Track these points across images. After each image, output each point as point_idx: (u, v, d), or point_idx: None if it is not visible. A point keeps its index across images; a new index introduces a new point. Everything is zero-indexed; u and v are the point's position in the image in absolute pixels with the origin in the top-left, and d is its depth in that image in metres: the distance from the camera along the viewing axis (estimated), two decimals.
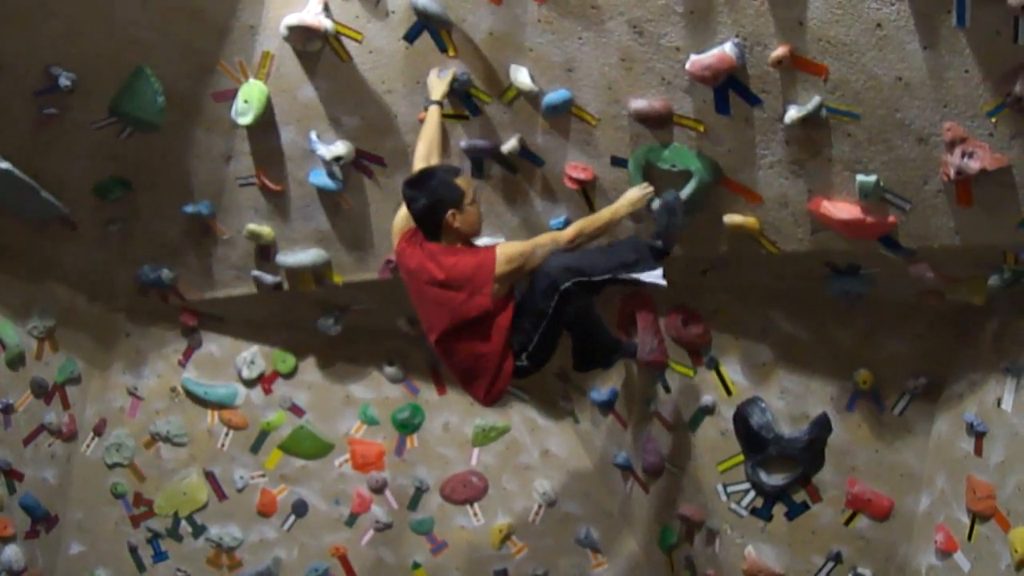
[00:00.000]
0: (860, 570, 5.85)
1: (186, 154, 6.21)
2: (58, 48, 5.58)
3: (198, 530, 7.62)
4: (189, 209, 6.40)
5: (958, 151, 4.23)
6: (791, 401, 5.82)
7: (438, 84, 5.31)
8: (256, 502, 7.59)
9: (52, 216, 6.43)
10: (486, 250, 4.84)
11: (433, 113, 5.28)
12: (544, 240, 4.94)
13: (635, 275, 4.91)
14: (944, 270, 4.95)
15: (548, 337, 4.91)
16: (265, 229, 6.38)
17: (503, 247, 4.86)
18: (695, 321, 6.00)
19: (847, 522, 5.83)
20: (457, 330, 4.84)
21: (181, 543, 7.65)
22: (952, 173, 4.27)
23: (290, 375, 7.53)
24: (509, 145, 5.45)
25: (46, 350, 7.03)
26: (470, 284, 4.73)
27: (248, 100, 5.70)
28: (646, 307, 6.10)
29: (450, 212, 4.77)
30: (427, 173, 4.90)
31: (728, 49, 4.50)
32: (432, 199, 4.76)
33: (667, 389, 6.34)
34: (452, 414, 7.52)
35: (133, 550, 7.64)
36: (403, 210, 5.04)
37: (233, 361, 7.49)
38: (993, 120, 4.14)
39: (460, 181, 4.87)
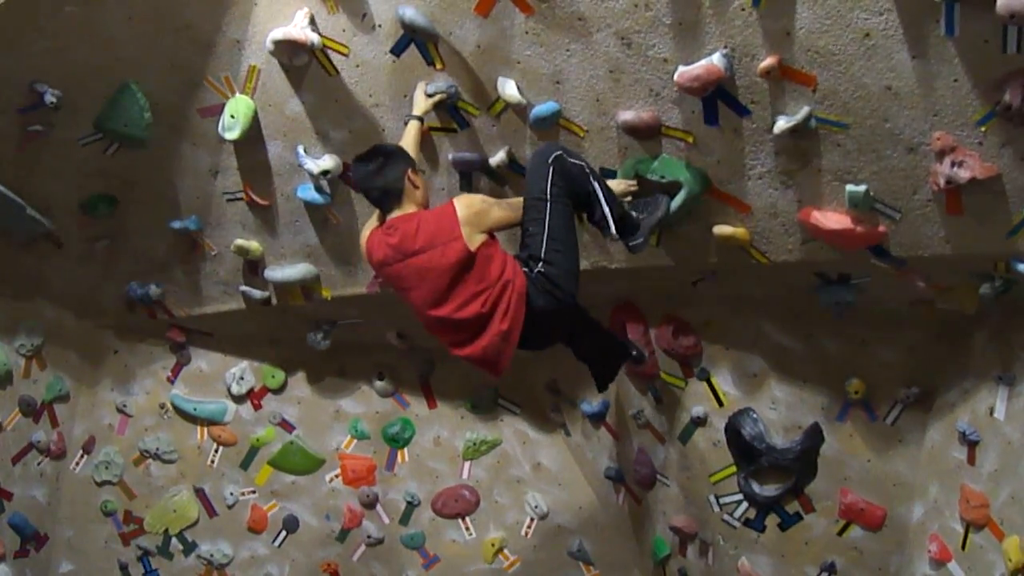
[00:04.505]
0: None
1: (173, 169, 6.19)
2: (43, 65, 5.56)
3: (189, 547, 7.60)
4: (176, 224, 6.36)
5: (948, 160, 4.24)
6: (783, 411, 5.81)
7: (422, 100, 5.29)
8: (247, 518, 7.56)
9: (39, 233, 6.39)
10: (442, 204, 4.82)
11: (412, 128, 5.27)
12: (508, 199, 5.01)
13: (599, 191, 4.81)
14: (935, 279, 4.95)
15: (557, 229, 4.70)
16: (253, 244, 6.35)
17: (459, 196, 4.88)
18: (686, 332, 5.99)
19: (840, 532, 5.83)
20: (451, 287, 4.69)
21: (172, 561, 7.64)
22: (942, 182, 4.28)
23: (279, 390, 7.50)
24: (497, 158, 5.43)
25: (34, 368, 6.99)
26: (440, 236, 4.66)
27: (235, 115, 5.67)
28: (636, 319, 6.11)
29: (409, 170, 4.83)
30: (375, 146, 4.97)
31: (716, 60, 4.49)
32: (389, 161, 4.82)
33: (658, 400, 6.32)
34: (443, 428, 7.50)
35: (124, 568, 7.63)
36: (366, 226, 5.09)
37: (222, 377, 7.45)
38: (982, 129, 4.15)
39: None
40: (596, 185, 4.81)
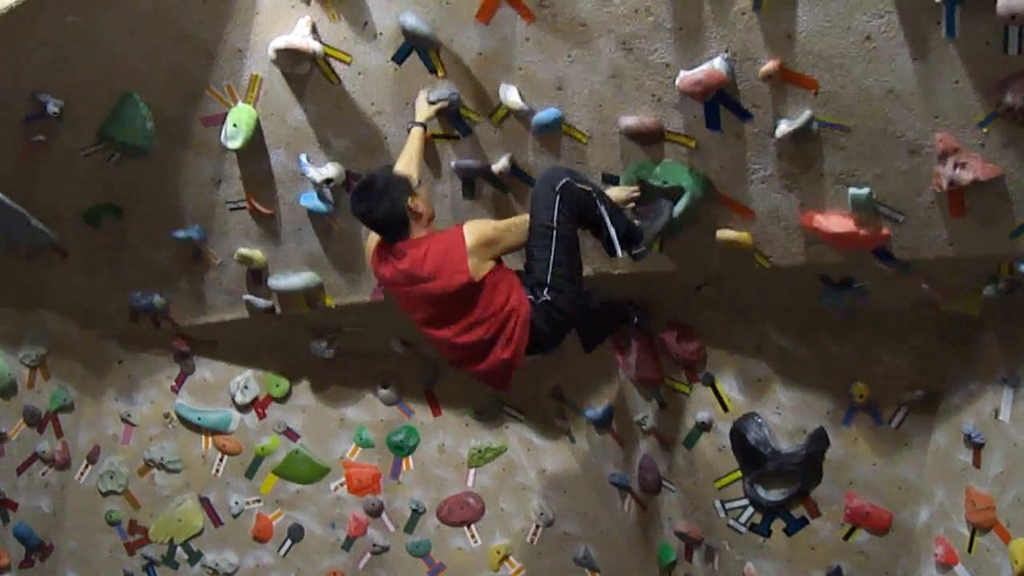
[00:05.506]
0: None
1: (176, 179, 6.19)
2: (46, 75, 5.56)
3: (194, 557, 7.60)
4: (180, 234, 6.36)
5: (950, 162, 4.24)
6: (788, 416, 5.80)
7: (424, 107, 5.29)
8: (252, 527, 7.56)
9: (42, 243, 6.40)
10: (452, 229, 4.80)
11: (415, 135, 5.26)
12: (516, 219, 4.97)
13: (606, 215, 4.80)
14: (939, 281, 4.94)
15: (562, 254, 4.71)
16: (256, 253, 6.35)
17: (470, 223, 4.83)
18: (690, 337, 5.98)
19: (846, 536, 5.81)
20: (454, 313, 4.73)
21: (177, 570, 7.63)
22: (944, 184, 4.27)
23: (284, 399, 7.49)
24: (500, 164, 5.44)
25: (38, 378, 7.00)
26: (447, 267, 4.66)
27: (237, 124, 5.68)
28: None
29: (409, 198, 4.77)
30: (368, 179, 4.85)
31: (718, 64, 4.50)
32: (388, 196, 4.74)
33: (663, 406, 6.31)
34: (447, 435, 7.49)
35: None
36: (371, 236, 5.07)
37: (226, 386, 7.45)
38: (985, 130, 4.15)
39: (398, 168, 4.96)
40: (603, 209, 4.80)
